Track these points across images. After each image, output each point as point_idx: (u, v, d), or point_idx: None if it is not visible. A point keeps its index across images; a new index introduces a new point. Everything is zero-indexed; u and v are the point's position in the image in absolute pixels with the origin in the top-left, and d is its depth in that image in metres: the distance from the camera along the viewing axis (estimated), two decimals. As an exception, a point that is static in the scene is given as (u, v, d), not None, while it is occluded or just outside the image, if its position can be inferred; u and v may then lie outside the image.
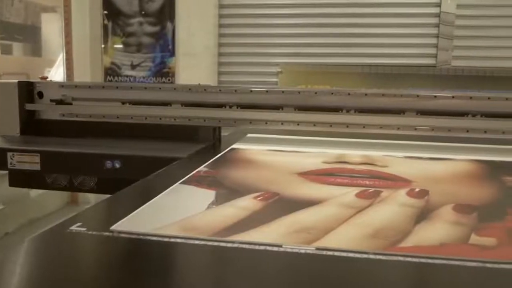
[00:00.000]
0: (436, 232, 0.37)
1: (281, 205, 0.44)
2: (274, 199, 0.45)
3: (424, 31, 1.89)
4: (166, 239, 0.35)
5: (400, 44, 1.90)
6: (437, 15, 1.87)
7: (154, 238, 0.35)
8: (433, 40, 1.89)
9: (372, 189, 0.49)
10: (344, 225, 0.38)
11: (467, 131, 0.75)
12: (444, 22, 1.86)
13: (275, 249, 0.33)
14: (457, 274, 0.31)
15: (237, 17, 1.98)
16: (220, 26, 1.98)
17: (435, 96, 0.76)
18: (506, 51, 1.85)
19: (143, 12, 1.91)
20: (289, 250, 0.33)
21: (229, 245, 0.34)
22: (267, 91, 0.78)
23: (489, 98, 0.75)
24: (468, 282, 0.30)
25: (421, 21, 1.89)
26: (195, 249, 0.34)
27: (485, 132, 0.75)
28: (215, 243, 0.35)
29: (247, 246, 0.34)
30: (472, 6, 1.86)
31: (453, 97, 0.76)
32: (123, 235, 0.36)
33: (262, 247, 0.34)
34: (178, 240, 0.35)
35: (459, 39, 1.87)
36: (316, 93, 0.76)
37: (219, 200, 0.45)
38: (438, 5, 1.86)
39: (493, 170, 0.61)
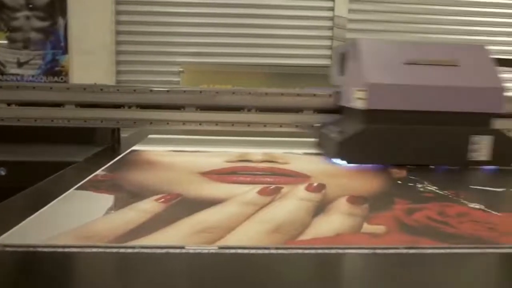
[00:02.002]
0: (332, 223, 0.40)
1: (183, 206, 0.43)
2: (177, 200, 0.45)
3: (319, 33, 1.99)
4: (60, 250, 0.33)
5: (297, 45, 1.98)
6: (331, 19, 1.98)
7: (47, 250, 0.33)
8: (328, 42, 1.99)
9: (274, 186, 0.50)
10: (246, 223, 0.39)
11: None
12: (337, 25, 1.98)
13: (178, 251, 0.33)
14: (351, 261, 0.33)
15: (135, 14, 1.91)
16: (118, 23, 1.90)
17: (330, 95, 0.80)
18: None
19: (30, 6, 1.76)
20: (191, 251, 0.33)
21: (130, 250, 0.33)
22: (168, 91, 0.77)
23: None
24: (361, 268, 0.32)
25: (317, 23, 1.98)
26: (93, 257, 0.32)
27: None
28: (115, 250, 0.33)
29: (148, 250, 0.33)
30: (362, 11, 2.00)
31: (346, 96, 0.80)
32: (9, 248, 0.33)
33: (164, 250, 0.33)
34: (74, 250, 0.33)
35: (350, 42, 1.99)
36: (217, 92, 0.76)
37: (119, 205, 0.43)
38: (332, 9, 1.97)
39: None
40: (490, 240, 0.36)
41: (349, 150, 0.62)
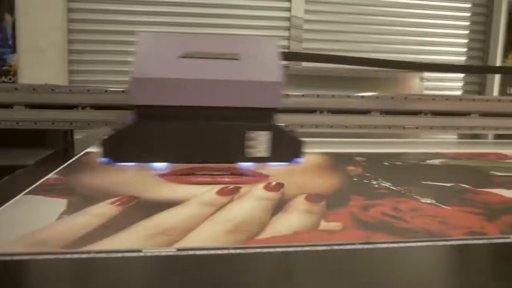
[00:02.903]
0: (290, 221, 0.40)
1: (140, 209, 0.42)
2: (133, 203, 0.44)
3: (276, 33, 2.01)
4: (9, 258, 0.31)
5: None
6: (288, 19, 2.00)
7: (-6, 258, 0.31)
8: (285, 43, 2.02)
9: (232, 186, 0.50)
10: (205, 224, 0.38)
11: (316, 126, 0.81)
12: (294, 26, 2.00)
13: (134, 254, 0.32)
14: (309, 258, 0.33)
15: (89, 12, 1.86)
16: (70, 20, 1.84)
17: (288, 95, 0.81)
18: (348, 54, 2.06)
19: (-26, 2, 1.68)
20: (149, 254, 0.32)
21: (84, 256, 0.32)
22: (123, 91, 0.75)
23: (333, 96, 0.83)
24: (318, 264, 0.33)
25: (274, 24, 2.00)
26: (46, 265, 0.31)
27: (331, 127, 0.82)
28: (68, 256, 0.32)
29: (103, 255, 0.32)
30: (319, 12, 2.03)
31: (303, 95, 0.82)
32: (-48, 258, 0.31)
33: (120, 254, 0.32)
34: (25, 258, 0.31)
35: (308, 42, 2.03)
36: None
37: (72, 209, 0.42)
38: (288, 9, 2.00)
39: (338, 161, 0.67)
40: (440, 233, 0.38)
41: (114, 148, 0.58)
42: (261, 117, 0.60)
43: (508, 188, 0.54)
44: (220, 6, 1.92)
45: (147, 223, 0.38)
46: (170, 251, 0.33)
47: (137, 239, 0.35)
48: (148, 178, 0.55)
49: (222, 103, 0.60)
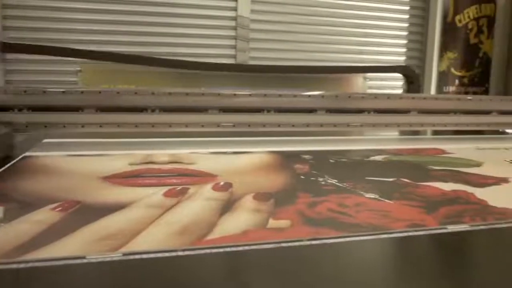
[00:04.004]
0: (239, 221, 0.40)
1: (83, 214, 0.41)
2: (75, 208, 0.42)
3: (223, 33, 2.00)
4: None
5: (201, 45, 1.97)
6: (234, 18, 2.00)
7: None
8: (232, 42, 2.01)
9: (180, 187, 0.50)
10: (152, 226, 0.38)
11: (264, 125, 0.82)
12: (240, 25, 2.00)
13: (78, 261, 0.31)
14: (258, 257, 0.34)
15: (26, 8, 1.77)
16: (4, 17, 1.74)
17: (235, 94, 0.81)
18: (293, 53, 2.09)
19: None
20: (93, 260, 0.31)
21: (22, 265, 0.30)
22: (63, 92, 0.72)
23: (280, 96, 0.84)
24: (266, 262, 0.33)
25: (220, 23, 1.99)
26: (-21, 276, 0.29)
27: (279, 126, 0.83)
28: (5, 266, 0.30)
29: (44, 263, 0.30)
30: (265, 12, 2.05)
31: (250, 95, 0.82)
32: None
33: (62, 262, 0.31)
34: (-45, 270, 0.29)
35: (254, 42, 2.04)
36: (118, 92, 0.73)
37: (9, 217, 0.40)
38: (235, 9, 2.00)
39: (286, 159, 0.68)
40: (383, 226, 0.39)
41: None
42: None
43: (445, 181, 0.56)
44: (164, 4, 1.88)
45: (91, 228, 0.37)
46: (116, 256, 0.32)
47: (80, 245, 0.34)
48: (91, 181, 0.53)
49: None
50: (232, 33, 2.00)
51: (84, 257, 0.31)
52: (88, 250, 0.32)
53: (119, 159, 0.64)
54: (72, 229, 0.36)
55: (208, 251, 0.33)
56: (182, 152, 0.70)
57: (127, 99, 0.74)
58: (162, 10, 1.91)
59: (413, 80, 1.08)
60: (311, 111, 0.85)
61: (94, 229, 0.37)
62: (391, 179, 0.57)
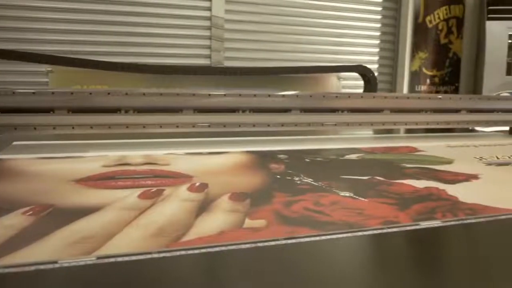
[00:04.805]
0: (215, 221, 0.40)
1: (56, 217, 0.40)
2: (48, 212, 0.41)
3: (197, 33, 1.99)
4: None
5: (175, 45, 1.96)
6: (209, 18, 1.99)
7: None
8: (206, 42, 2.00)
9: (155, 189, 0.49)
10: (127, 229, 0.37)
11: (239, 125, 0.82)
12: (215, 25, 2.00)
13: (50, 266, 0.30)
14: (235, 257, 0.33)
15: (-8, 8, 1.72)
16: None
17: (210, 95, 0.80)
18: (268, 53, 2.10)
19: None
20: (66, 264, 0.30)
21: (-9, 272, 0.29)
22: (34, 93, 0.70)
23: (255, 96, 0.84)
24: (243, 262, 0.33)
25: (194, 23, 1.98)
26: None
27: (254, 125, 0.83)
28: (-28, 273, 0.29)
29: (14, 269, 0.30)
30: (239, 12, 2.05)
31: (225, 95, 0.82)
32: None
33: (33, 267, 0.30)
34: None
35: (229, 42, 2.03)
36: (91, 93, 0.72)
37: (-23, 222, 0.39)
38: (209, 9, 1.99)
39: (262, 159, 0.68)
40: (358, 223, 0.40)
41: None
42: None
43: (418, 178, 0.58)
44: (137, 4, 1.86)
45: (64, 232, 0.36)
46: (89, 260, 0.31)
47: (53, 249, 0.33)
48: (64, 184, 0.52)
49: None
50: (206, 33, 1.99)
51: (56, 262, 0.30)
52: (61, 255, 0.32)
53: (93, 161, 0.63)
54: (44, 233, 0.35)
55: (184, 252, 0.33)
56: (157, 153, 0.69)
57: (100, 100, 0.72)
58: (134, 10, 1.89)
59: (370, 79, 1.11)
60: (286, 110, 0.85)
61: (67, 233, 0.36)
62: (365, 177, 0.58)
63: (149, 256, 0.32)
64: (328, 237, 0.37)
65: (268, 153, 0.73)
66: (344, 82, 1.91)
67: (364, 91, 1.25)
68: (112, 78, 1.49)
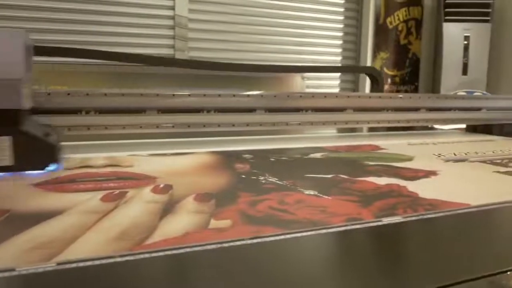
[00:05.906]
0: (180, 223, 0.39)
1: (12, 223, 0.38)
2: (4, 217, 0.40)
3: (160, 32, 1.97)
4: None
5: (138, 44, 1.93)
6: (172, 18, 1.97)
7: None
8: (170, 41, 1.98)
9: (118, 191, 0.48)
10: (88, 233, 0.36)
11: (204, 125, 0.81)
12: (178, 25, 1.98)
13: (7, 274, 0.29)
14: (199, 258, 0.33)
15: None
16: None
17: (174, 95, 0.79)
18: (232, 53, 2.10)
19: None
20: (24, 272, 0.29)
21: None
22: None
23: (219, 96, 0.83)
24: (208, 263, 0.33)
25: (157, 22, 1.96)
26: None
27: (219, 125, 0.83)
28: None
29: (-32, 278, 0.28)
30: (203, 11, 2.03)
31: (189, 95, 0.81)
32: None
33: (-12, 276, 0.29)
34: None
35: (193, 41, 2.02)
36: (49, 94, 0.70)
37: None
38: (172, 8, 1.97)
39: (227, 159, 0.68)
40: (322, 221, 0.40)
41: None
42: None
43: (380, 176, 0.59)
44: (100, 2, 1.82)
45: (21, 238, 0.35)
46: (49, 266, 0.30)
47: (10, 256, 0.32)
48: (22, 188, 0.50)
49: None
50: (170, 32, 1.97)
51: (13, 269, 0.29)
52: (18, 261, 0.31)
53: (52, 164, 0.61)
54: (0, 239, 0.34)
55: (148, 255, 0.32)
56: (120, 154, 0.68)
57: (60, 100, 0.70)
58: (97, 8, 1.84)
59: (378, 80, 1.14)
60: (251, 110, 0.85)
61: (25, 239, 0.35)
62: (329, 176, 0.59)
63: (112, 260, 0.31)
64: (293, 235, 0.37)
65: (233, 153, 0.73)
66: (308, 82, 1.93)
67: (371, 91, 1.27)
68: (72, 79, 1.45)
